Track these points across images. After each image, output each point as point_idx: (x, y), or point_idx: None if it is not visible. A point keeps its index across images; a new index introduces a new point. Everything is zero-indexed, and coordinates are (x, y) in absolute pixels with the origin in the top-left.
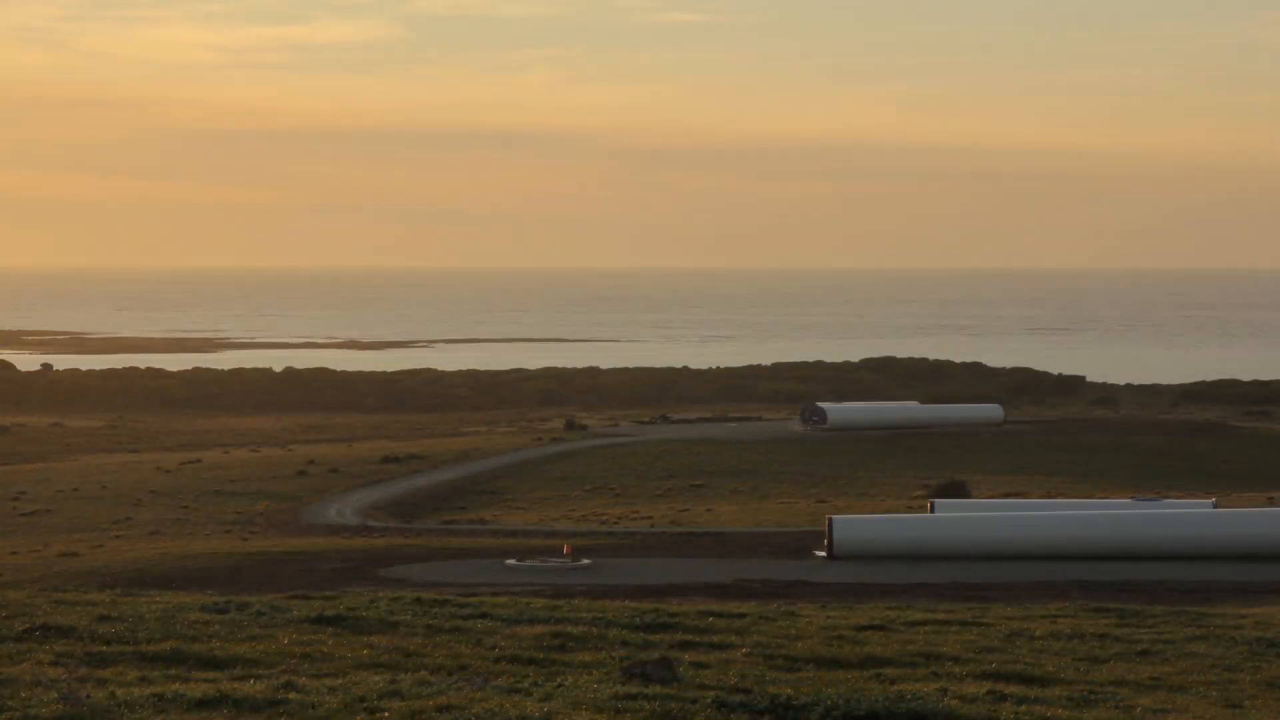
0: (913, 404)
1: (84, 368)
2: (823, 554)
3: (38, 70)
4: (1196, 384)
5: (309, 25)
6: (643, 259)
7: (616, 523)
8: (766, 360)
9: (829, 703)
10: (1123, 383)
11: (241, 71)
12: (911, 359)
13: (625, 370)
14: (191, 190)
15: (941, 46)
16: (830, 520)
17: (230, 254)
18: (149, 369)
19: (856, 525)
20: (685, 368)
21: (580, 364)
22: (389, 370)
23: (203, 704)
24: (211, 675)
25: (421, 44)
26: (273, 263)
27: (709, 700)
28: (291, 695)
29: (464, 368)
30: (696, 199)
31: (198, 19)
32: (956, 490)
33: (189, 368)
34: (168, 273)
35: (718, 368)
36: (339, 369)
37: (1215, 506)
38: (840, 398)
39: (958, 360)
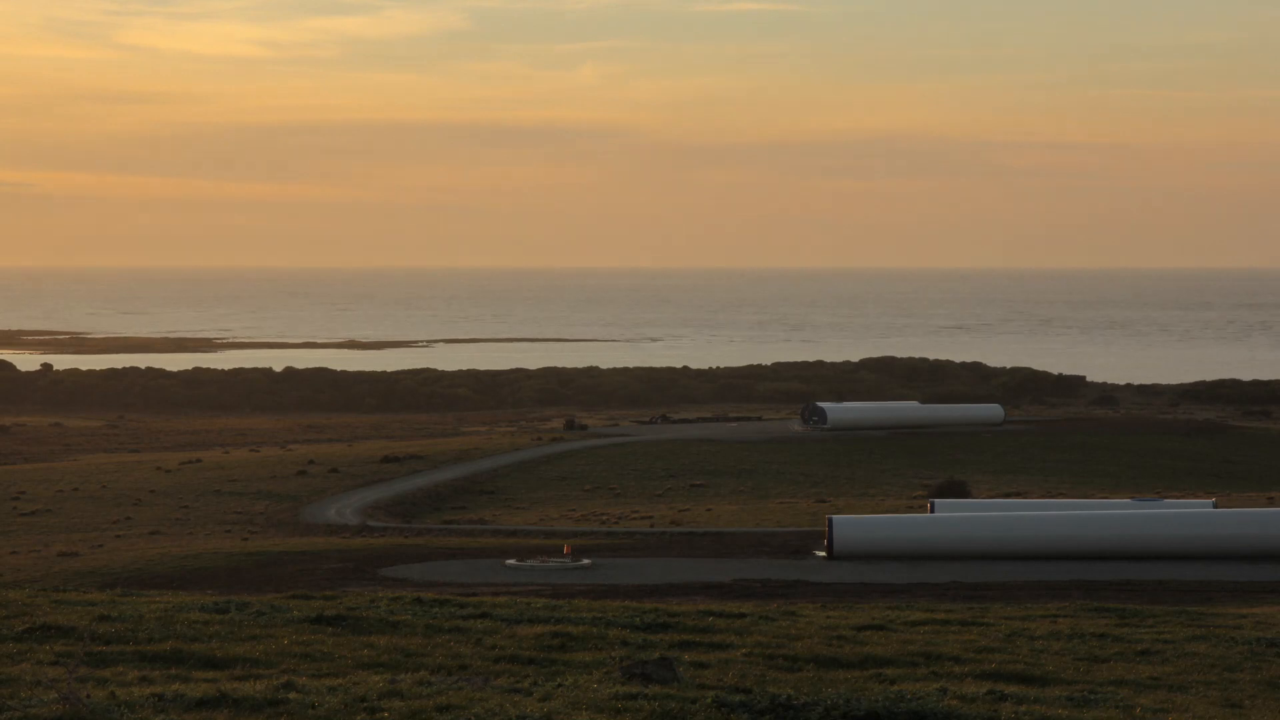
0: (913, 404)
1: (84, 368)
2: (823, 554)
3: (78, 65)
4: (1196, 384)
5: (374, 16)
6: (692, 258)
7: (616, 523)
8: (766, 360)
9: (829, 703)
10: (1123, 383)
11: (287, 67)
12: (911, 359)
13: (625, 370)
14: (231, 188)
15: (1003, 39)
16: (830, 520)
17: (270, 253)
18: (149, 369)
19: (856, 525)
20: (685, 368)
21: (580, 364)
22: (389, 370)
23: (203, 704)
24: (211, 675)
25: (480, 35)
26: (314, 262)
27: (709, 700)
28: (291, 695)
29: (464, 368)
30: (746, 196)
31: (249, 12)
32: (956, 490)
33: (189, 368)
34: (204, 272)
35: (718, 368)
36: (339, 369)
37: (1215, 506)
38: (840, 398)
39: (958, 360)
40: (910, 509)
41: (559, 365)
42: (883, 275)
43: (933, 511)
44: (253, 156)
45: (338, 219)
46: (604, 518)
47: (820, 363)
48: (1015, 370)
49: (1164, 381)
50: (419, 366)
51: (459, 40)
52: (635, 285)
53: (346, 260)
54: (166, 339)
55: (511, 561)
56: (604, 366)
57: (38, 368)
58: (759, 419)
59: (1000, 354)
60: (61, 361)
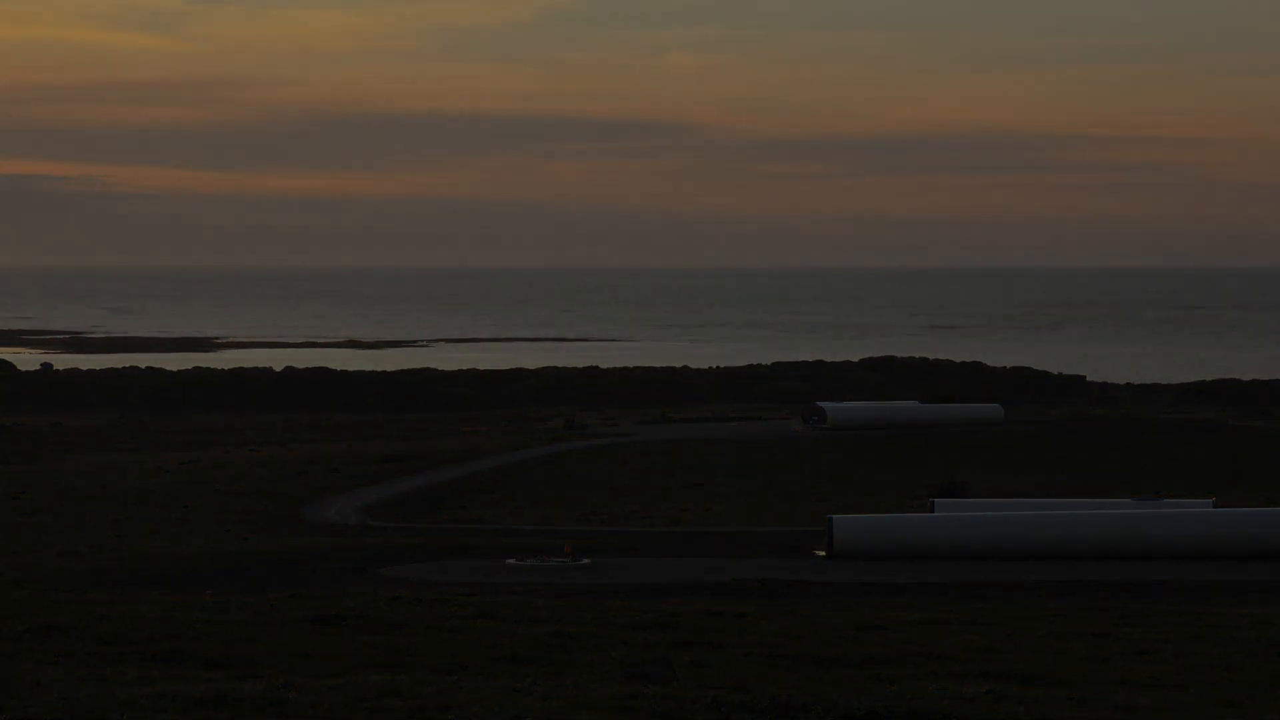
0: (913, 404)
1: (84, 367)
2: (823, 554)
3: (151, 56)
4: (1196, 384)
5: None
6: (777, 258)
7: (616, 523)
8: (766, 360)
9: (829, 702)
10: (1123, 383)
11: (372, 58)
12: (911, 359)
13: (625, 370)
14: (308, 182)
15: (1090, 29)
16: (830, 520)
17: (346, 252)
18: (149, 369)
19: (856, 525)
20: (685, 367)
21: (580, 364)
22: (389, 370)
23: (203, 703)
24: (211, 675)
25: (587, 19)
26: (394, 261)
27: (708, 700)
28: (291, 695)
29: (464, 367)
30: (829, 191)
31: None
32: (956, 490)
33: (189, 367)
34: (285, 271)
35: (718, 367)
36: (339, 369)
37: (1215, 506)
38: (841, 398)
39: (958, 360)
40: (910, 509)
41: (559, 365)
42: (958, 274)
43: (933, 511)
44: (332, 148)
45: (432, 214)
46: (604, 518)
47: (820, 363)
48: (1015, 370)
49: (1164, 381)
50: (419, 366)
51: (565, 25)
52: (700, 285)
53: (436, 259)
54: (167, 339)
55: (511, 561)
56: (604, 366)
57: (37, 368)
58: (759, 419)
59: (1000, 354)
60: (61, 361)
